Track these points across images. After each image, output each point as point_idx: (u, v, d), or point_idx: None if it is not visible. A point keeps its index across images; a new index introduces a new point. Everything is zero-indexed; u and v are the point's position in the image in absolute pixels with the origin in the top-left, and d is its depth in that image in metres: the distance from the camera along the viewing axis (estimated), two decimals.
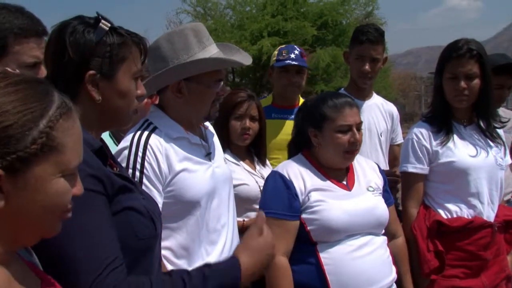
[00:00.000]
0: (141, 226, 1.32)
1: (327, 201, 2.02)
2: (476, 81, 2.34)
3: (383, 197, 2.18)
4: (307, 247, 2.00)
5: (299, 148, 2.25)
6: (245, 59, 1.99)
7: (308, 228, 2.00)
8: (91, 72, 1.29)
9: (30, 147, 0.88)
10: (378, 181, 2.21)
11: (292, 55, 3.06)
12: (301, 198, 2.04)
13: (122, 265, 1.20)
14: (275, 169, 2.18)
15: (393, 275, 2.09)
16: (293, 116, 3.03)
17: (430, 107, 2.56)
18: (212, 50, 1.90)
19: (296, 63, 3.04)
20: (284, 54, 3.08)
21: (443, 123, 2.41)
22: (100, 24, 1.30)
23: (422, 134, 2.42)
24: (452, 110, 2.44)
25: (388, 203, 2.19)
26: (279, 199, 2.04)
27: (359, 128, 2.11)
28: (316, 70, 13.77)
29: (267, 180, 2.17)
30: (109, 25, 1.32)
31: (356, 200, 2.06)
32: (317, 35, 13.82)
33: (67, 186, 0.95)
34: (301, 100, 3.19)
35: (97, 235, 1.18)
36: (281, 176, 2.08)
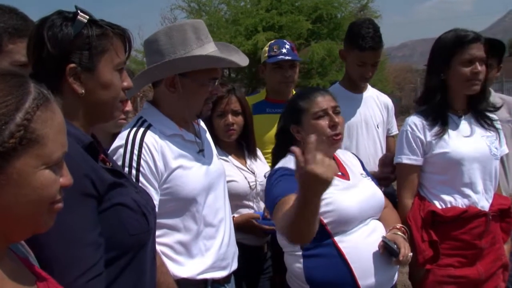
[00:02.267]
0: (131, 221, 1.32)
1: (335, 192, 2.03)
2: (484, 68, 2.37)
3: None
4: (324, 239, 1.99)
5: (284, 150, 2.19)
6: (242, 61, 1.98)
7: (325, 221, 2.00)
8: (71, 65, 1.28)
9: (8, 141, 0.87)
10: (361, 167, 2.29)
11: (284, 50, 3.05)
12: None
13: (101, 274, 1.19)
14: (276, 166, 2.16)
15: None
16: None
17: (424, 98, 2.51)
18: (209, 48, 1.89)
19: (289, 57, 3.04)
20: (275, 50, 3.06)
21: (439, 115, 2.40)
22: (78, 16, 1.29)
23: (416, 125, 2.43)
24: (450, 101, 2.44)
25: None
26: (287, 185, 1.95)
27: (337, 112, 2.15)
28: (311, 64, 13.74)
29: (269, 179, 2.11)
30: (87, 17, 1.30)
31: (359, 188, 2.12)
32: (312, 29, 13.78)
33: (52, 177, 0.94)
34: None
35: (77, 238, 1.17)
36: (286, 169, 2.06)
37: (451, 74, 2.38)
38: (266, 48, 3.16)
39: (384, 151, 3.05)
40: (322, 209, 1.97)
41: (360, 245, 2.01)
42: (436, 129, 2.39)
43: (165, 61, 1.83)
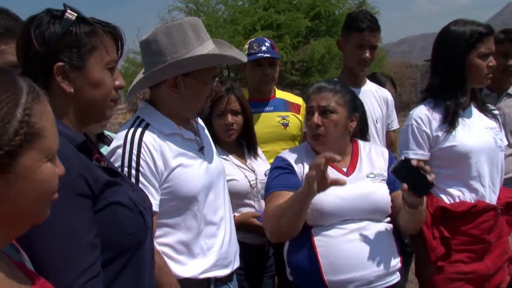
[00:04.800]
0: (128, 220, 1.30)
1: None
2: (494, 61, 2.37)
3: (391, 182, 2.16)
4: (302, 231, 2.01)
5: None
6: (241, 56, 1.99)
7: None
8: (59, 64, 1.25)
9: (15, 139, 0.86)
10: (384, 167, 2.21)
11: (264, 48, 3.02)
12: (301, 180, 2.09)
13: (98, 275, 1.18)
14: (279, 154, 2.27)
15: (392, 263, 2.06)
16: (268, 108, 3.02)
17: (431, 91, 2.45)
18: (209, 46, 1.89)
19: (268, 55, 3.01)
20: (255, 48, 3.04)
21: (451, 110, 2.34)
22: (66, 14, 1.26)
23: (422, 119, 2.38)
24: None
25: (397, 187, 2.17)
26: (282, 178, 2.12)
27: (324, 111, 2.12)
28: (311, 62, 13.73)
29: (272, 165, 2.25)
30: (75, 14, 1.27)
31: (352, 186, 2.05)
32: (310, 27, 13.79)
33: (54, 169, 0.94)
34: (277, 92, 3.17)
35: (73, 239, 1.16)
36: (283, 160, 2.19)
37: (466, 67, 2.33)
38: (246, 46, 3.13)
39: (384, 147, 3.03)
40: None
41: (334, 241, 1.99)
42: (446, 124, 2.34)
43: (171, 61, 1.80)
